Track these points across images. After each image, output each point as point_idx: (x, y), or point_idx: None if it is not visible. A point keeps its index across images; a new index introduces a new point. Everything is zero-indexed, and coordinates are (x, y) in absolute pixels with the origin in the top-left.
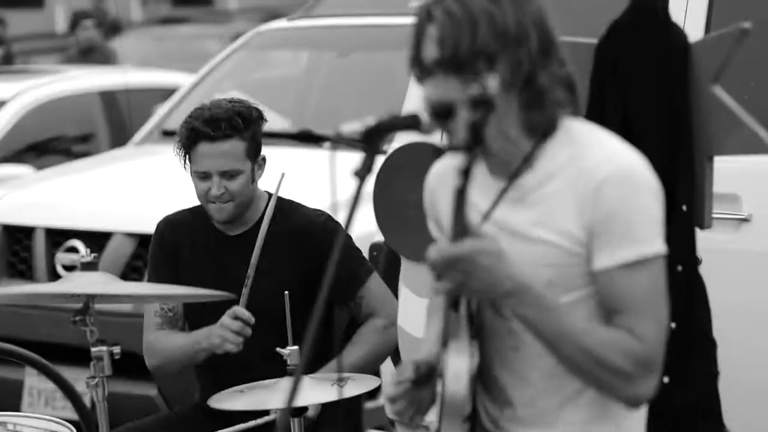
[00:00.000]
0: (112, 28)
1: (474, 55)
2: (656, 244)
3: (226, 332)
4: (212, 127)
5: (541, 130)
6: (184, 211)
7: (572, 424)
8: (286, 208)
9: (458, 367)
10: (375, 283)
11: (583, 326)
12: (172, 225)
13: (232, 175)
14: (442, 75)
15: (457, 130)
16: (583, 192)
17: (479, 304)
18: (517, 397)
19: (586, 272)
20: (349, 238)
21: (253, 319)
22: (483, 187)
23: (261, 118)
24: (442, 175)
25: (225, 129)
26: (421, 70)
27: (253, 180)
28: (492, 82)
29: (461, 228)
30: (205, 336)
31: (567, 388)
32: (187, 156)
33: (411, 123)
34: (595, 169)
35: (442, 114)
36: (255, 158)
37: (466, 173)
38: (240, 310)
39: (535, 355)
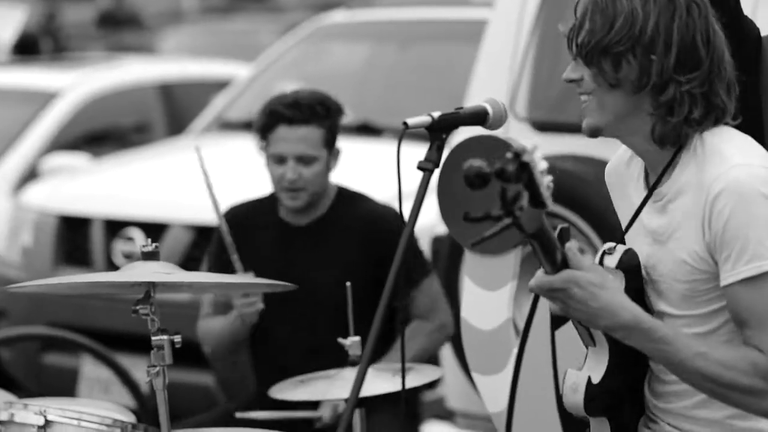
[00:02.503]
0: (128, 20)
1: (603, 52)
2: None
3: (238, 302)
4: (293, 110)
5: (667, 144)
6: (250, 201)
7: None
8: (351, 198)
9: (574, 380)
10: (430, 286)
11: (701, 350)
12: (236, 217)
13: (307, 161)
14: (578, 59)
15: (586, 113)
16: (702, 207)
17: None
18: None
19: (716, 287)
20: (413, 236)
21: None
22: (639, 186)
23: (341, 111)
24: (614, 171)
25: (306, 113)
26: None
27: (328, 169)
28: (584, 72)
29: (553, 258)
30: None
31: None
32: (265, 141)
33: (477, 117)
34: (711, 184)
35: (476, 183)
36: (331, 149)
37: (519, 229)
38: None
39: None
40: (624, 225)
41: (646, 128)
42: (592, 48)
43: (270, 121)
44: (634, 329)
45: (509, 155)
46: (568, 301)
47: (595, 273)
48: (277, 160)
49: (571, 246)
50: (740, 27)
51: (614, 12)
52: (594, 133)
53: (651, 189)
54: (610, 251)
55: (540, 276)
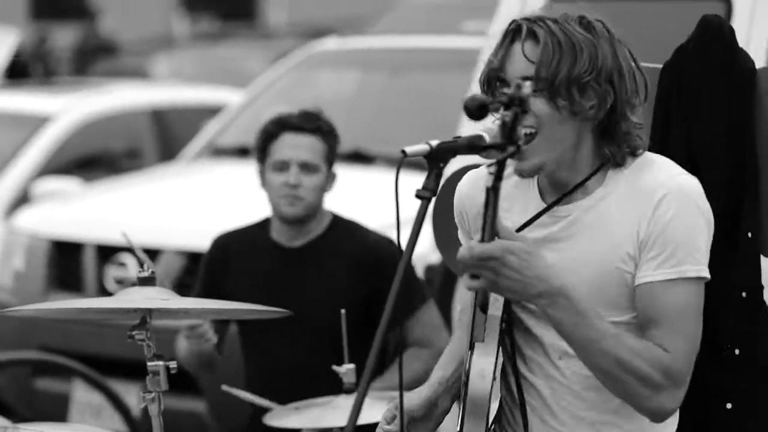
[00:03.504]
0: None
1: (570, 82)
2: (700, 268)
3: (193, 340)
4: (301, 119)
5: (612, 164)
6: (242, 227)
7: None
8: (346, 226)
9: (483, 367)
10: (427, 314)
11: (615, 332)
12: (225, 243)
13: (310, 169)
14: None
15: (528, 154)
16: (641, 208)
17: (513, 309)
18: (558, 407)
19: (632, 291)
20: (410, 264)
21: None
22: (527, 209)
23: (338, 137)
24: (474, 182)
25: (313, 124)
26: (501, 81)
27: (324, 189)
28: (544, 109)
29: (492, 227)
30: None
31: (610, 402)
32: (265, 153)
33: (474, 145)
34: (656, 188)
35: (477, 113)
36: (329, 168)
37: (498, 172)
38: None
39: (579, 367)
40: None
41: (589, 155)
42: (560, 80)
43: (275, 129)
44: (561, 298)
45: (513, 87)
46: (502, 269)
47: (525, 242)
48: (279, 166)
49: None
50: (734, 59)
51: (573, 45)
52: (535, 172)
53: (551, 205)
54: None
55: (475, 244)
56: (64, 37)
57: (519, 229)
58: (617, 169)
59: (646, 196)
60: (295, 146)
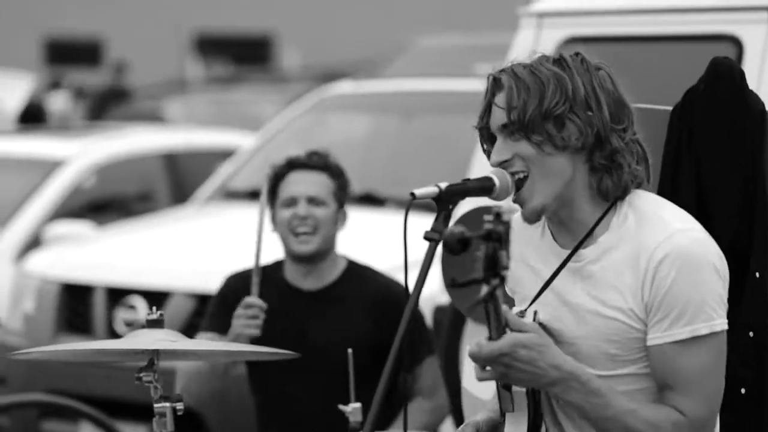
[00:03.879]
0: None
1: (543, 117)
2: (714, 323)
3: (241, 321)
4: (309, 157)
5: (612, 196)
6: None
7: None
8: (362, 271)
9: None
10: (432, 365)
11: (631, 408)
12: (238, 282)
13: (318, 203)
14: (510, 139)
15: (526, 198)
16: (642, 270)
17: None
18: None
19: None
20: (418, 310)
21: (265, 305)
22: (544, 253)
23: (348, 180)
24: (518, 227)
25: (321, 162)
26: (490, 139)
27: (336, 225)
28: (528, 150)
29: (498, 324)
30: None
31: None
32: (274, 194)
33: (484, 187)
34: (656, 249)
35: (457, 247)
36: (340, 206)
37: (491, 296)
38: (251, 299)
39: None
40: (530, 289)
41: (585, 189)
42: (531, 118)
43: (283, 169)
44: (574, 382)
45: (490, 217)
46: (514, 363)
47: (535, 332)
48: (287, 203)
49: (506, 308)
50: (745, 101)
51: (540, 81)
52: (538, 215)
53: (573, 251)
54: (521, 314)
55: (484, 344)
56: (79, 80)
57: (546, 285)
58: (621, 216)
59: (647, 257)
60: (302, 182)
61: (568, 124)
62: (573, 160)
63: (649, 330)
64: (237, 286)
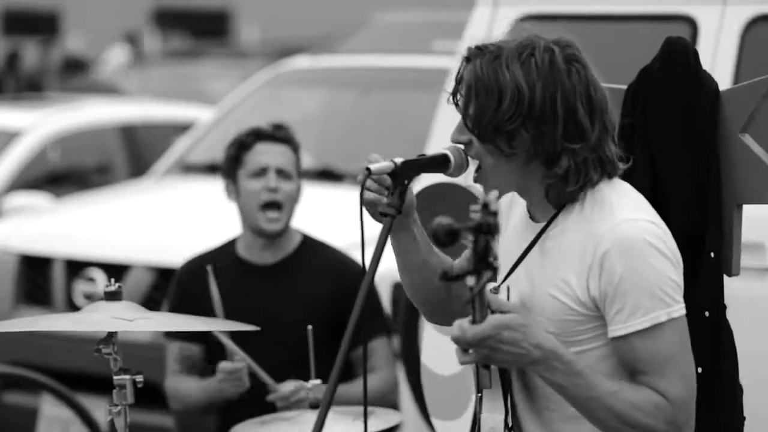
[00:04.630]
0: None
1: (495, 129)
2: (672, 309)
3: (228, 384)
4: (275, 129)
5: (559, 205)
6: (207, 250)
7: None
8: (317, 246)
9: (495, 423)
10: (381, 344)
11: (613, 389)
12: (193, 268)
13: (286, 176)
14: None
15: (483, 183)
16: (590, 257)
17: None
18: None
19: (590, 329)
20: (374, 287)
21: (246, 364)
22: (522, 222)
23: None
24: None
25: (286, 134)
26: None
27: (296, 200)
28: (481, 149)
29: (482, 308)
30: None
31: None
32: (237, 163)
33: (438, 163)
34: (601, 238)
35: (446, 240)
36: (298, 180)
37: (477, 286)
38: (232, 367)
39: (572, 416)
40: (505, 260)
41: (540, 192)
42: (484, 128)
43: (249, 139)
44: (556, 362)
45: (477, 207)
46: (498, 345)
47: (517, 312)
48: (256, 173)
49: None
50: (699, 81)
51: (499, 89)
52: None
53: (540, 232)
54: (495, 290)
55: (467, 327)
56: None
57: (518, 261)
58: (586, 201)
59: (594, 245)
60: (271, 153)
61: (519, 136)
62: (525, 169)
63: (610, 323)
64: (193, 270)
